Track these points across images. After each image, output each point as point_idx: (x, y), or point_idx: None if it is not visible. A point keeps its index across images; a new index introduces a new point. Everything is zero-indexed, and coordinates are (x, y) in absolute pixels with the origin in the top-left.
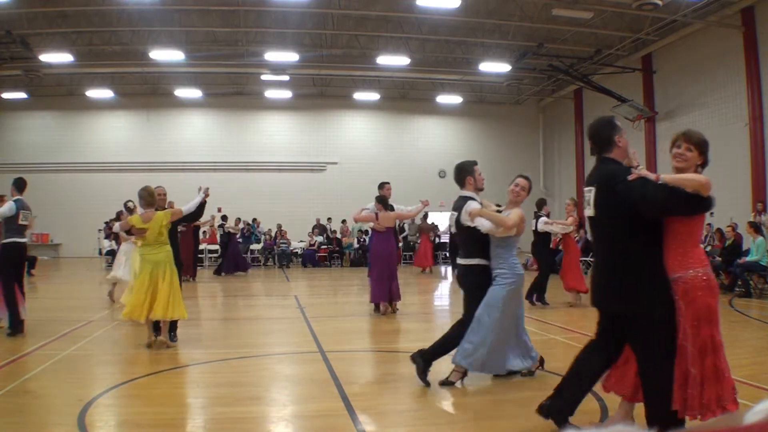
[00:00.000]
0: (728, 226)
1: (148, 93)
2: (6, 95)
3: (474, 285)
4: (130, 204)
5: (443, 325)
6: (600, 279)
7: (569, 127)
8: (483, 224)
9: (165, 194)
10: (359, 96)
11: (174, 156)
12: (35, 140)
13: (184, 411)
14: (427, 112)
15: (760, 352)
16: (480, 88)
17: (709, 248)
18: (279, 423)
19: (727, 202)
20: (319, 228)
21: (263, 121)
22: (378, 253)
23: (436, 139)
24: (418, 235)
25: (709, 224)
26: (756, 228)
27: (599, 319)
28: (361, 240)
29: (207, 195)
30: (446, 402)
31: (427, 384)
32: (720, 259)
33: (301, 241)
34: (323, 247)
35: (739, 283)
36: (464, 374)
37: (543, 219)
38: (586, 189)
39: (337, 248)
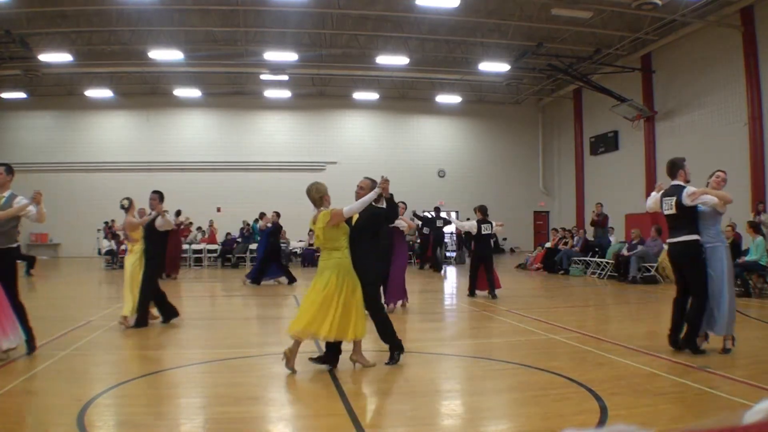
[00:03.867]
0: (728, 226)
1: (147, 93)
2: (6, 95)
3: (696, 255)
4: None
5: (444, 323)
6: None
7: (569, 126)
8: (710, 199)
9: (363, 185)
10: (358, 96)
11: (173, 156)
12: (35, 140)
13: (184, 411)
14: (427, 112)
15: (760, 352)
16: (479, 87)
17: None
18: (279, 423)
19: None
20: None
21: (262, 120)
22: (403, 254)
23: (435, 139)
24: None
25: None
26: (755, 228)
27: None
28: None
29: (386, 188)
30: (446, 402)
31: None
32: None
33: (300, 240)
34: None
35: (739, 282)
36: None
37: (494, 223)
38: None
39: None
